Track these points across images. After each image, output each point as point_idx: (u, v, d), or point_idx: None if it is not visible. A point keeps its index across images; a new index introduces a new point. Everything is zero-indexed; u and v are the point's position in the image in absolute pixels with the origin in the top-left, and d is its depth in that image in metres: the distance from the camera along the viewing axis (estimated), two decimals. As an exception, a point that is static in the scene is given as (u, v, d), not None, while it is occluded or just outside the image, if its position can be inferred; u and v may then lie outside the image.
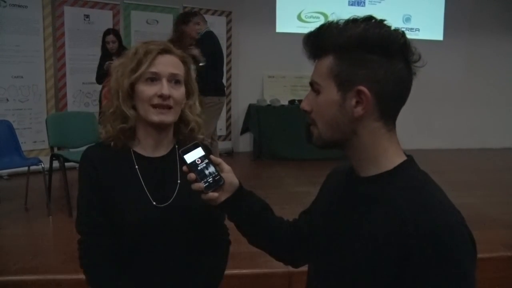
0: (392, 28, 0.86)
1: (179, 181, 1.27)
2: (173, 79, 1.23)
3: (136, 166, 1.27)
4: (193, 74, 1.33)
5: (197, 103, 1.34)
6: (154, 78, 1.21)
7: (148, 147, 1.29)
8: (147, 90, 1.21)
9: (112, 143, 1.27)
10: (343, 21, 0.86)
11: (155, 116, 1.22)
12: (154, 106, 1.21)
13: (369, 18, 0.86)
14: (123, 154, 1.27)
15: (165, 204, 1.25)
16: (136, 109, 1.25)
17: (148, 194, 1.25)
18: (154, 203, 1.25)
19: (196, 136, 1.31)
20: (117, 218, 1.23)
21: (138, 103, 1.24)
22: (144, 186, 1.26)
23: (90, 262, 1.25)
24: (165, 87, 1.20)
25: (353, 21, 0.86)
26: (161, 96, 1.20)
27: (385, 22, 0.86)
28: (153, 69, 1.21)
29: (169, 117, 1.23)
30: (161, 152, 1.30)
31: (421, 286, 0.77)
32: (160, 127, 1.26)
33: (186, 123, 1.31)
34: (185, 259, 1.29)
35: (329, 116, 0.89)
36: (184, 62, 1.28)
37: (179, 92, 1.24)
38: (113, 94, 1.25)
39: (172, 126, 1.31)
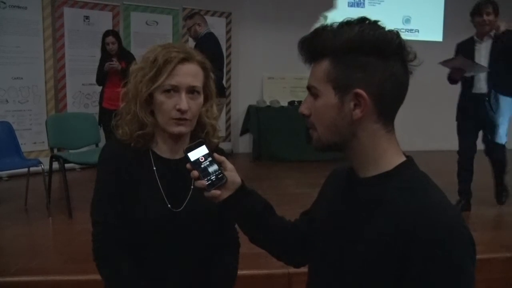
0: (387, 29, 0.86)
1: (192, 186, 1.28)
2: (192, 90, 1.23)
3: (154, 168, 1.28)
4: (212, 77, 1.31)
5: (214, 107, 1.34)
6: (173, 90, 1.21)
7: (166, 151, 1.30)
8: (166, 102, 1.21)
9: (132, 144, 1.27)
10: (338, 24, 0.87)
11: (174, 128, 1.23)
12: (173, 119, 1.22)
13: (363, 20, 0.86)
14: (142, 153, 1.28)
15: (179, 209, 1.26)
16: (153, 115, 1.25)
17: (164, 197, 1.26)
18: (169, 205, 1.26)
19: (211, 139, 1.31)
20: (131, 216, 1.24)
21: (156, 112, 1.24)
22: (161, 188, 1.26)
23: (104, 252, 1.26)
24: (183, 102, 1.20)
25: (348, 24, 0.86)
26: (179, 110, 1.20)
27: (379, 23, 0.86)
28: (172, 82, 1.20)
29: (186, 128, 1.24)
30: (178, 155, 1.30)
31: (421, 286, 0.77)
32: (177, 137, 1.27)
33: (202, 127, 1.32)
34: (197, 260, 1.30)
35: (328, 120, 0.89)
36: (203, 68, 1.27)
37: (197, 103, 1.24)
38: (131, 99, 1.25)
39: (189, 133, 1.31)
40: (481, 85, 3.56)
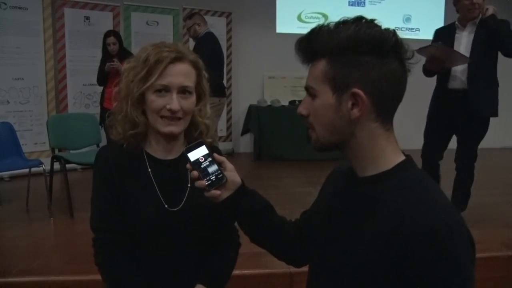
0: (383, 27, 0.86)
1: (189, 185, 1.28)
2: (183, 90, 1.22)
3: (149, 169, 1.27)
4: (206, 76, 1.30)
5: (207, 106, 1.33)
6: (164, 90, 1.20)
7: (160, 151, 1.30)
8: (156, 101, 1.20)
9: (124, 145, 1.27)
10: (334, 23, 0.87)
11: (164, 128, 1.22)
12: (163, 117, 1.21)
13: (359, 19, 0.86)
14: (136, 155, 1.28)
15: (176, 209, 1.26)
16: (145, 114, 1.25)
17: (161, 197, 1.26)
18: (166, 206, 1.26)
19: (204, 139, 1.31)
20: (129, 219, 1.24)
21: (147, 110, 1.24)
22: (157, 189, 1.26)
23: (104, 258, 1.26)
24: (174, 102, 1.19)
25: (344, 23, 0.86)
26: (170, 110, 1.20)
27: (375, 22, 0.86)
28: (163, 82, 1.19)
29: (178, 128, 1.24)
30: (172, 155, 1.30)
31: (420, 285, 0.78)
32: (169, 137, 1.27)
33: (195, 126, 1.31)
34: (194, 260, 1.30)
35: (326, 120, 0.89)
36: (196, 68, 1.26)
37: (189, 102, 1.23)
38: (123, 98, 1.24)
39: (182, 133, 1.30)
40: (458, 79, 3.07)
